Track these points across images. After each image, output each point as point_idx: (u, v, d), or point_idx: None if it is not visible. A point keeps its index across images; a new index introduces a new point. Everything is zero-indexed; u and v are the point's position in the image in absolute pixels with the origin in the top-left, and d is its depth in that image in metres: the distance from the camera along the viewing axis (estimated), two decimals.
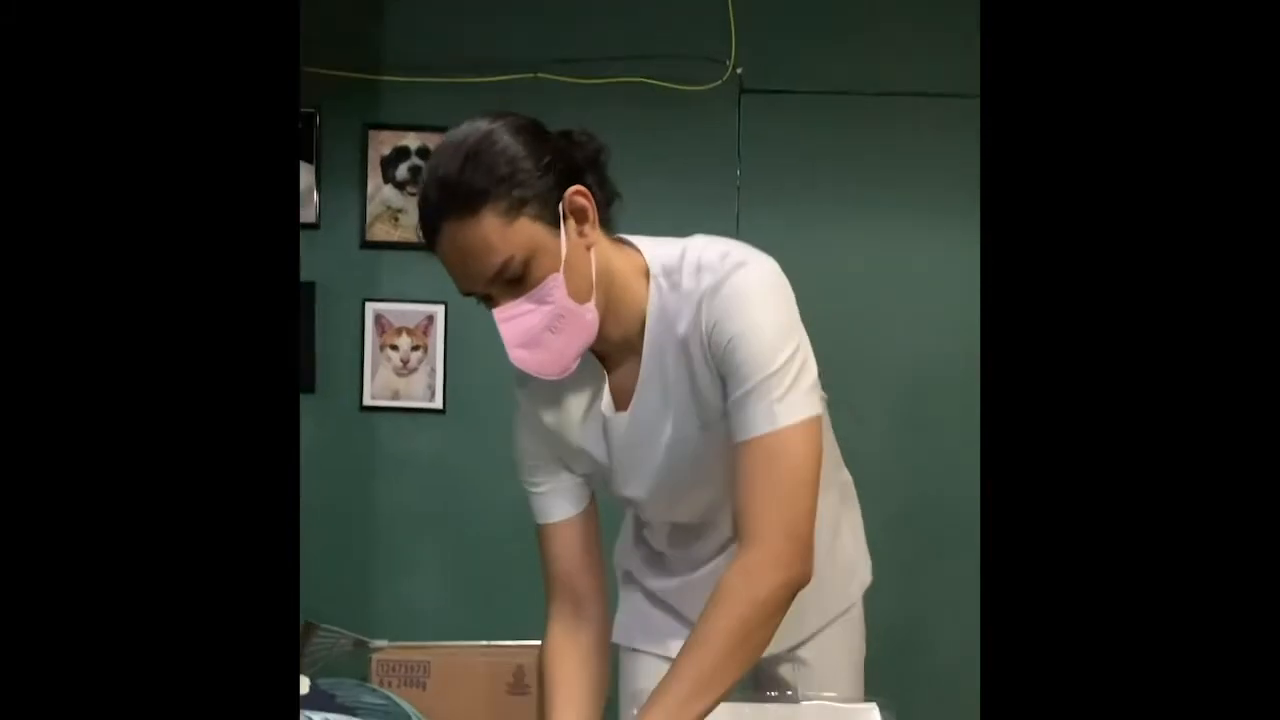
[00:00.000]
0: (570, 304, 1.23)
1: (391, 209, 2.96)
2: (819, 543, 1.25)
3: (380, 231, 2.96)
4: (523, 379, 1.38)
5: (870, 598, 1.59)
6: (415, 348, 2.94)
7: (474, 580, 2.96)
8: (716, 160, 2.93)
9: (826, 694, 1.40)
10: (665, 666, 1.47)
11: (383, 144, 2.97)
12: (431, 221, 1.20)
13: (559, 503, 1.42)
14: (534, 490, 1.44)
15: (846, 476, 1.58)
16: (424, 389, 2.95)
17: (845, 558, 1.54)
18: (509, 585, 2.93)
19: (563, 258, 1.22)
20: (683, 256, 1.28)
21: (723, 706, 1.23)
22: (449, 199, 1.18)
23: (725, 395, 1.25)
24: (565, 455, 1.40)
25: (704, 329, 1.24)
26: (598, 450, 1.37)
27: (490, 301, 1.24)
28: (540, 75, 2.93)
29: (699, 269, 1.26)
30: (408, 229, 2.96)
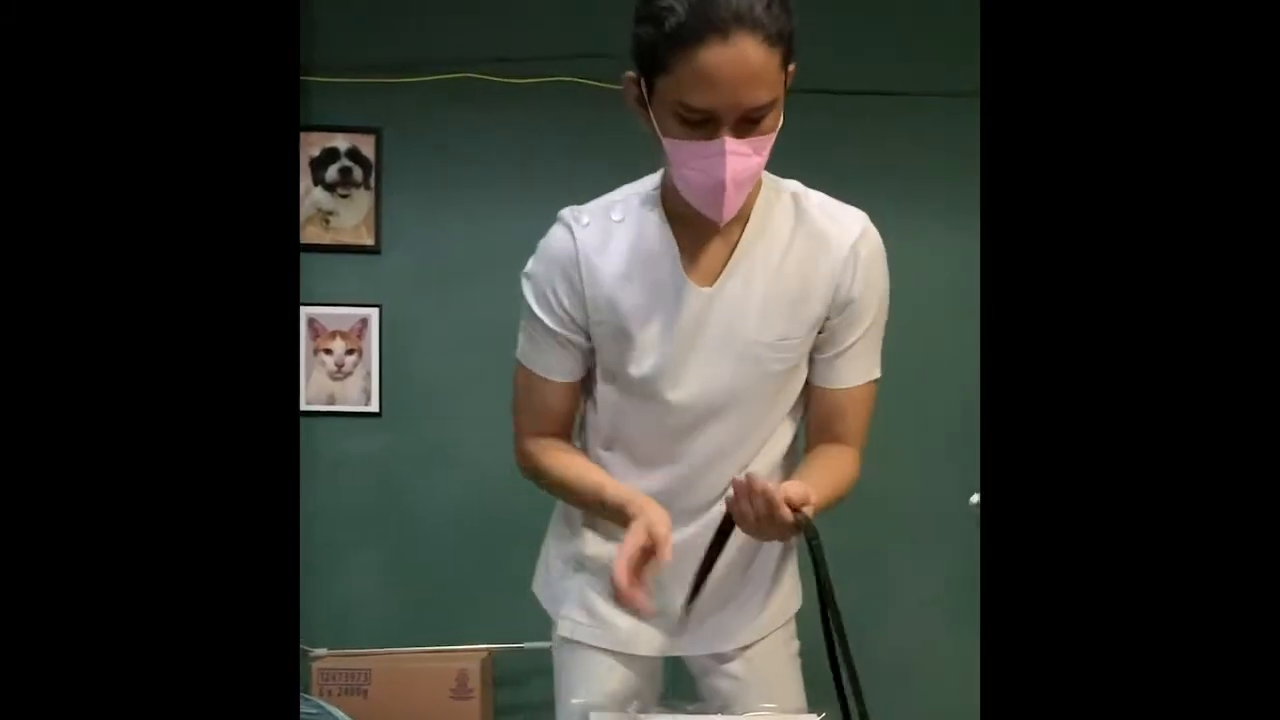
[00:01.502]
0: (764, 164, 1.27)
1: (322, 211, 2.93)
2: (772, 557, 1.41)
3: (312, 234, 2.92)
4: (590, 221, 1.38)
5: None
6: (350, 351, 2.91)
7: (414, 585, 2.94)
8: (652, 159, 2.95)
9: (766, 705, 1.43)
10: (625, 667, 1.47)
11: (312, 145, 2.93)
12: (724, 24, 1.16)
13: (567, 365, 1.42)
14: (546, 344, 1.41)
15: None
16: (359, 392, 2.92)
17: (792, 571, 1.56)
18: (449, 590, 2.92)
19: (779, 122, 1.25)
20: (801, 190, 1.41)
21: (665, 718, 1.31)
22: (756, 18, 1.16)
23: (827, 318, 1.38)
24: (609, 315, 1.37)
25: (851, 269, 1.36)
26: (668, 318, 1.36)
27: (713, 130, 1.22)
28: (471, 75, 2.92)
29: (823, 206, 1.39)
30: (339, 231, 2.92)
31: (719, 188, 1.24)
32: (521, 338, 1.45)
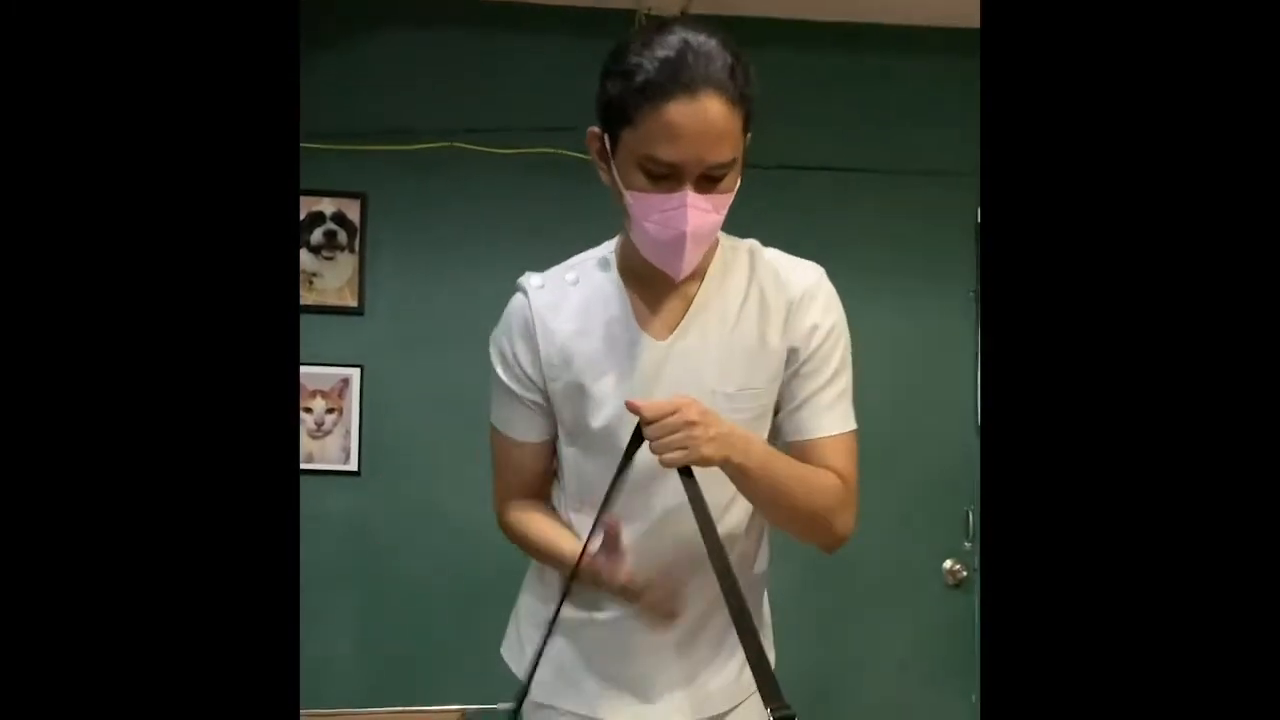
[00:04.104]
0: (720, 224, 1.32)
1: (306, 272, 2.98)
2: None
3: None
4: (545, 284, 1.43)
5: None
6: (330, 410, 2.95)
7: (388, 645, 2.95)
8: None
9: None
10: None
11: None
12: (691, 82, 1.22)
13: (533, 424, 1.46)
14: (511, 406, 1.45)
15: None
16: (339, 451, 2.94)
17: (766, 634, 1.57)
18: (424, 650, 2.93)
19: (737, 185, 1.31)
20: (758, 247, 1.46)
21: None
22: (721, 80, 1.23)
23: (788, 367, 1.39)
24: (564, 372, 1.40)
25: (805, 317, 1.38)
26: (623, 372, 1.38)
27: (675, 184, 1.26)
28: (456, 144, 2.99)
29: (777, 260, 1.43)
30: (322, 292, 2.97)
31: (679, 240, 1.27)
32: (492, 402, 1.49)
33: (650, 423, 1.23)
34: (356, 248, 3.00)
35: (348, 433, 2.95)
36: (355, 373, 2.96)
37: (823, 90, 3.11)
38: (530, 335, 1.40)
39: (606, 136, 1.32)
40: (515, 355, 1.42)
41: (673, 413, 1.22)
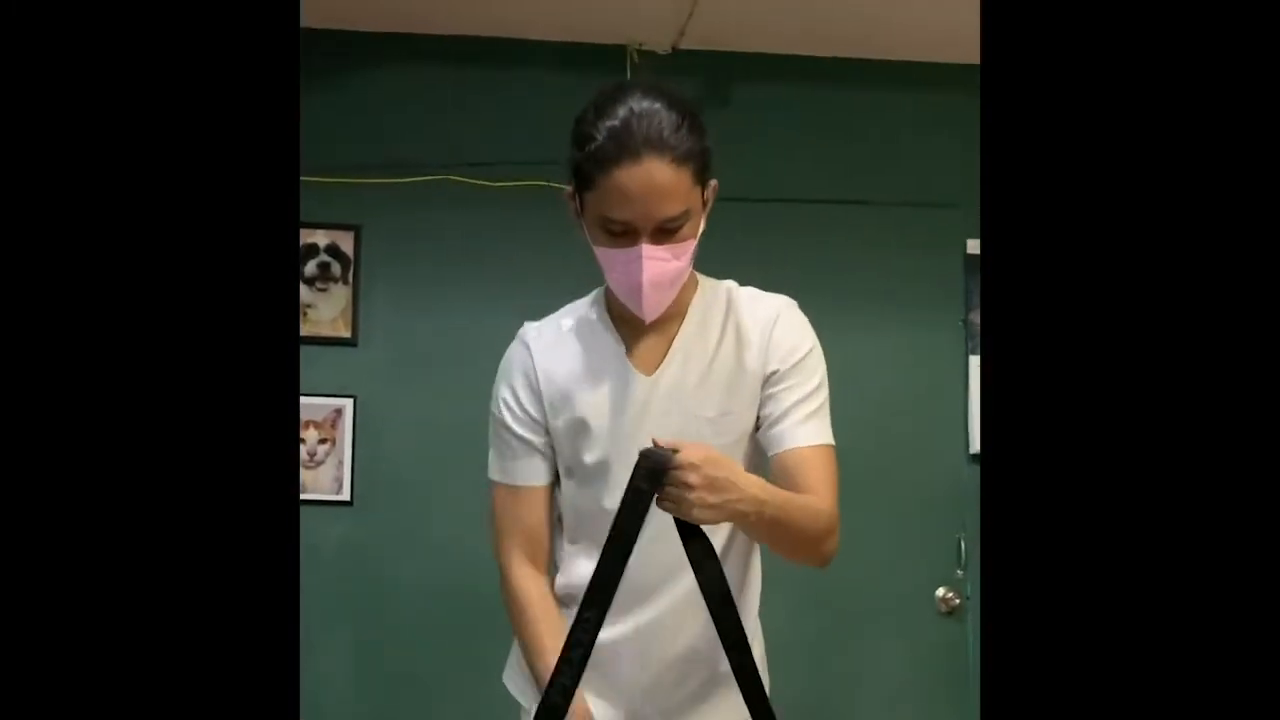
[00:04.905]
0: (688, 266, 1.43)
1: (301, 304, 2.99)
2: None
3: None
4: (541, 332, 1.52)
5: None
6: (322, 440, 2.96)
7: (383, 674, 2.94)
8: None
9: None
10: None
11: None
12: (635, 148, 1.33)
13: (536, 468, 1.51)
14: (513, 453, 1.51)
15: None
16: (331, 481, 2.95)
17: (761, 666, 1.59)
18: (418, 678, 2.93)
19: (699, 231, 1.42)
20: (735, 286, 1.55)
21: None
22: (662, 140, 1.34)
23: (765, 389, 1.46)
24: (564, 409, 1.47)
25: (777, 338, 1.47)
26: (617, 405, 1.46)
27: (633, 239, 1.37)
28: (449, 176, 3.02)
29: (751, 294, 1.53)
30: (316, 323, 2.99)
31: (638, 289, 1.39)
32: (491, 455, 1.54)
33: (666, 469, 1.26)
34: (350, 279, 3.02)
35: (340, 463, 2.96)
36: (348, 403, 2.97)
37: (812, 123, 3.15)
38: (532, 377, 1.49)
39: (577, 197, 1.43)
40: (519, 400, 1.50)
41: (678, 468, 1.24)
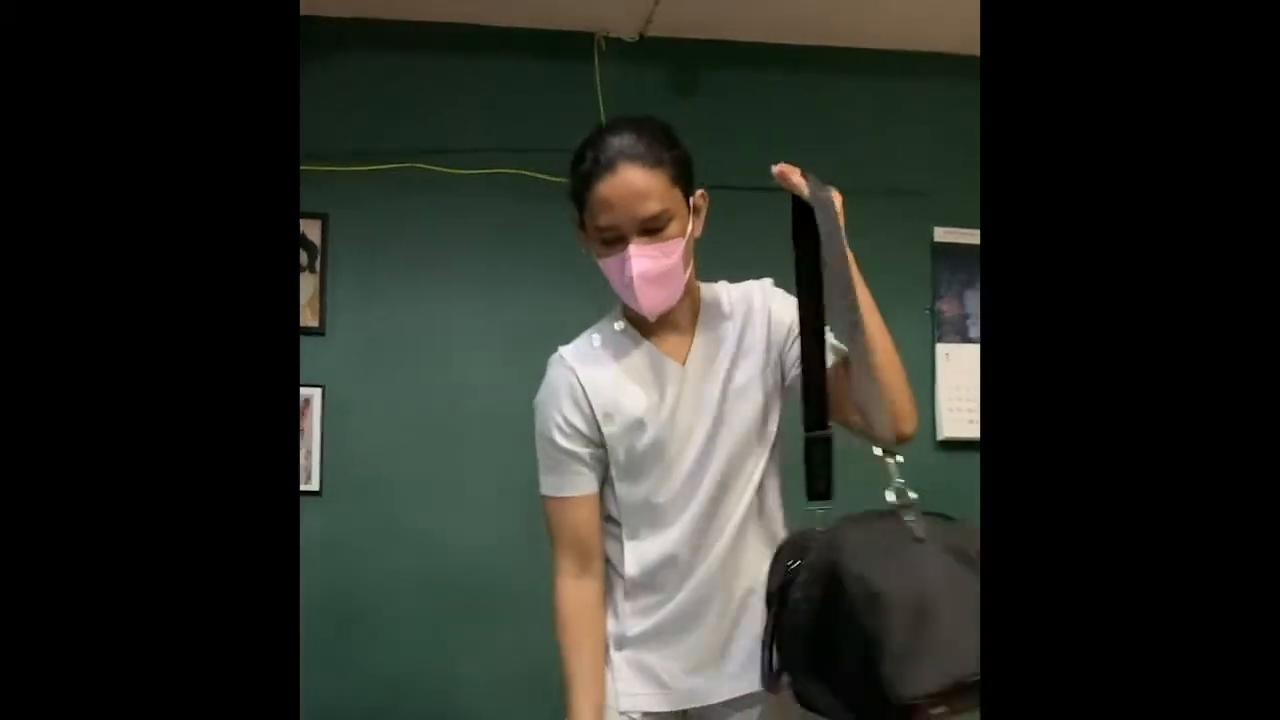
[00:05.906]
0: (681, 265, 1.57)
1: None
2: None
3: None
4: (577, 351, 1.66)
5: None
6: None
7: (356, 666, 2.94)
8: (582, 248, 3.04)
9: None
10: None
11: None
12: (611, 161, 1.53)
13: (584, 478, 1.65)
14: (564, 468, 1.64)
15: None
16: (300, 471, 2.94)
17: None
18: (390, 668, 2.93)
19: (688, 232, 1.58)
20: (726, 284, 1.72)
21: None
22: (634, 150, 1.53)
23: (778, 352, 1.64)
24: (617, 413, 1.61)
25: (772, 304, 1.66)
26: (662, 393, 1.61)
27: (623, 243, 1.54)
28: (416, 165, 3.01)
29: (740, 285, 1.71)
30: None
31: (630, 284, 1.55)
32: (541, 475, 1.67)
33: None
34: (318, 268, 3.00)
35: (309, 453, 2.95)
36: (316, 393, 2.95)
37: (779, 112, 3.16)
38: (578, 393, 1.63)
39: (579, 222, 1.61)
40: (568, 419, 1.63)
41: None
